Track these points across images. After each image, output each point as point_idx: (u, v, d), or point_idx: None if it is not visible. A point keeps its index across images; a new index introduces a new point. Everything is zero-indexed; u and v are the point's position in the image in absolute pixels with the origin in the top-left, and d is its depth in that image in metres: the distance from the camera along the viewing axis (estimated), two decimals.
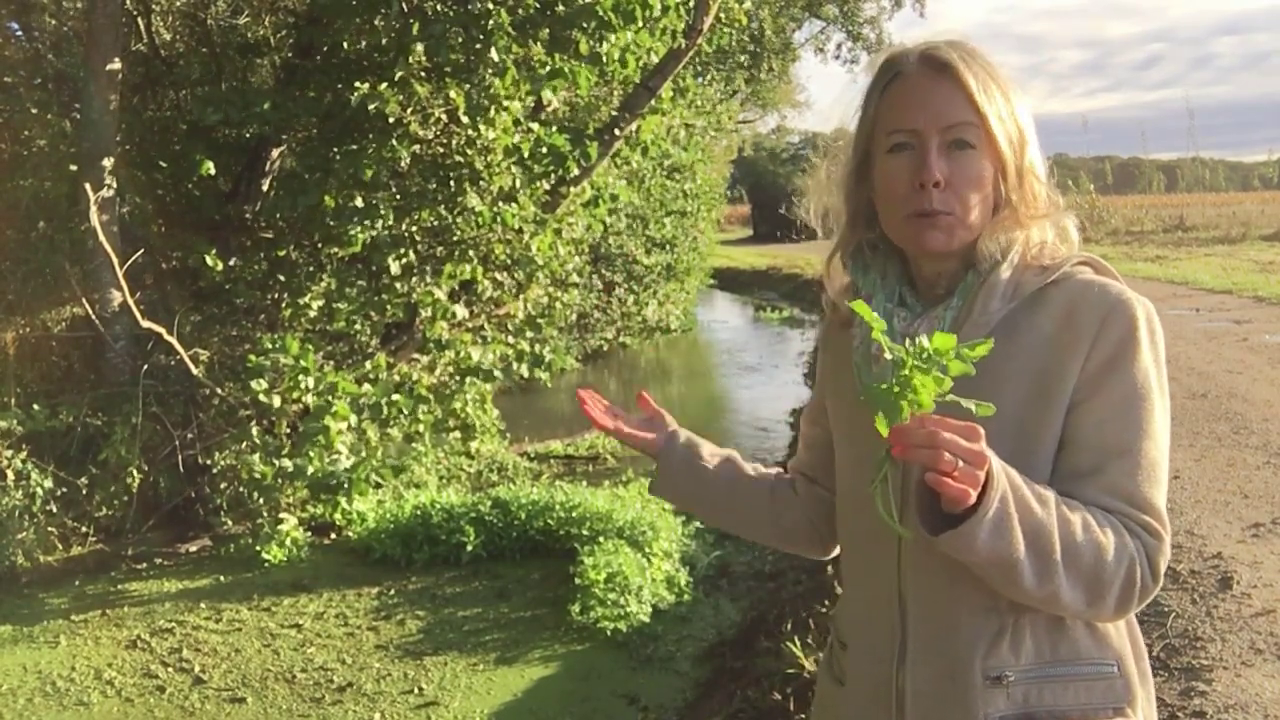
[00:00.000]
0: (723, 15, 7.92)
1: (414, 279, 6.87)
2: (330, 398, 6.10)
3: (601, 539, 5.68)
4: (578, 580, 5.25)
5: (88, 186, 5.97)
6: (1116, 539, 1.10)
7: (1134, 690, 1.19)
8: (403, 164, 6.46)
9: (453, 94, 6.18)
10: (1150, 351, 1.16)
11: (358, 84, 6.11)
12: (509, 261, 7.17)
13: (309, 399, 6.10)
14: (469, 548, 5.93)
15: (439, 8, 6.26)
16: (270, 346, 6.07)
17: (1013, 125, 1.20)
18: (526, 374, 7.32)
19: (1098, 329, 1.15)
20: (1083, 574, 1.08)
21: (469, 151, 6.45)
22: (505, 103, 6.28)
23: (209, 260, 6.41)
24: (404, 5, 6.08)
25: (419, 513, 6.24)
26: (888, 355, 1.02)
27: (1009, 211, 1.21)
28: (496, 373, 7.07)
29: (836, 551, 1.48)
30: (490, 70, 6.19)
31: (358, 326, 7.09)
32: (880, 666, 1.25)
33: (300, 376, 6.03)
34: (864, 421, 1.21)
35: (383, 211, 6.37)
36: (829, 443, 1.41)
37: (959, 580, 1.15)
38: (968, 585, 1.15)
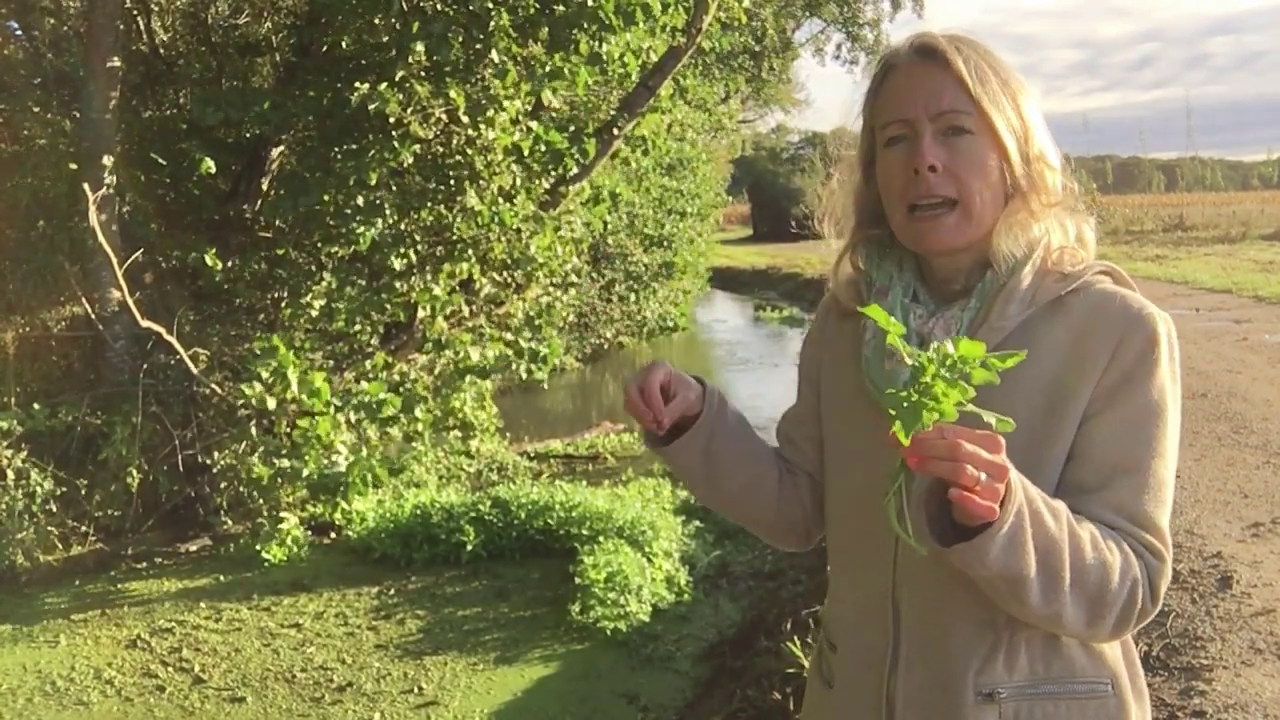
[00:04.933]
0: (722, 14, 7.91)
1: (414, 278, 6.87)
2: (317, 399, 6.10)
3: (601, 538, 5.68)
4: (578, 580, 5.25)
5: (87, 186, 5.97)
6: (1123, 559, 1.07)
7: (1128, 708, 1.17)
8: (404, 163, 6.46)
9: (453, 94, 6.17)
10: (1168, 368, 1.14)
11: (358, 84, 6.11)
12: (508, 261, 7.17)
13: (297, 400, 6.09)
14: (469, 547, 5.93)
15: (439, 7, 6.26)
16: (261, 349, 6.07)
17: (1013, 111, 1.16)
18: (525, 374, 7.31)
19: (1117, 343, 1.12)
20: (1087, 593, 1.05)
21: (469, 151, 6.44)
22: (505, 102, 6.28)
23: (209, 260, 6.41)
24: (404, 4, 6.08)
25: (419, 512, 6.23)
26: (908, 361, 0.96)
27: (1019, 201, 1.16)
28: (494, 371, 7.07)
29: (810, 546, 1.43)
30: (490, 71, 6.19)
31: (357, 326, 7.09)
32: (871, 672, 1.22)
33: (289, 376, 6.02)
34: (865, 419, 1.19)
35: (384, 210, 6.37)
36: (820, 439, 1.35)
37: (955, 592, 1.12)
38: (963, 598, 1.11)
